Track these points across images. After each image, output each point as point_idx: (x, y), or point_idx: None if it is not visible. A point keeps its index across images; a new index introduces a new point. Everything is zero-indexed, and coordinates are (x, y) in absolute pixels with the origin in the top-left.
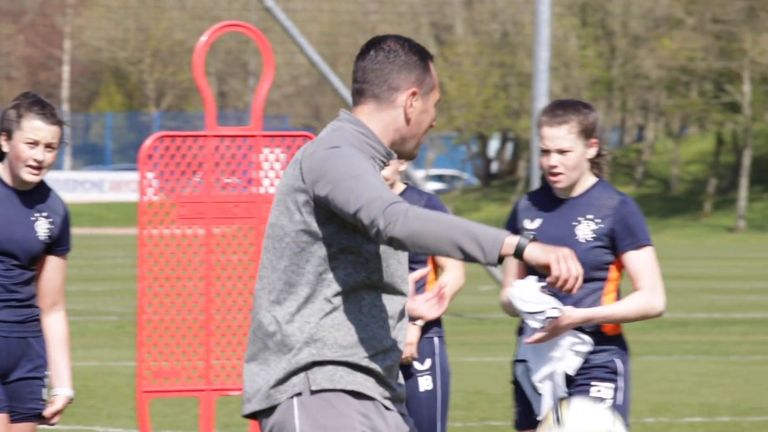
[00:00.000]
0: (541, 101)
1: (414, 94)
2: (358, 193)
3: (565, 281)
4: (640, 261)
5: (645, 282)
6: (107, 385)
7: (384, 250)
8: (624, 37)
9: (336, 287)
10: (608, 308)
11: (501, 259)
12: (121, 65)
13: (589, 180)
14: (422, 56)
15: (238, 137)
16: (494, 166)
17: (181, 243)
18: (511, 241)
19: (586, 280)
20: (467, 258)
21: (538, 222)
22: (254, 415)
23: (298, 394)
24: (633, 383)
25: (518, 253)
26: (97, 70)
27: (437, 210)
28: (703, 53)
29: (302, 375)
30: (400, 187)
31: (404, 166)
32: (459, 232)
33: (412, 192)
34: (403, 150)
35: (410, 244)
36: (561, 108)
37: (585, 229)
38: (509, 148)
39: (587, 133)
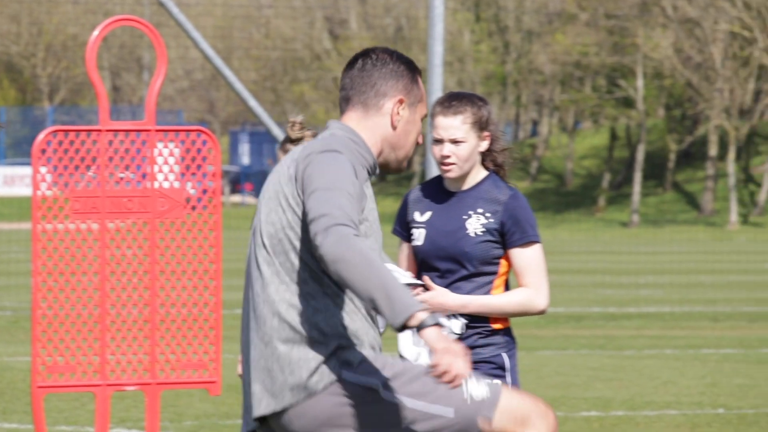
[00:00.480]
0: (436, 96)
1: (401, 102)
2: (320, 205)
3: (443, 374)
4: (527, 257)
5: (530, 279)
6: (2, 380)
7: (375, 234)
8: (518, 33)
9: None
10: (487, 298)
11: (403, 327)
12: (14, 59)
13: (480, 173)
14: (410, 67)
15: (132, 132)
16: None
17: (76, 238)
18: (421, 316)
19: (475, 275)
20: (375, 310)
21: (428, 215)
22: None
23: (339, 376)
24: (528, 378)
25: (419, 328)
26: None
27: None
28: (597, 48)
29: (333, 360)
30: None
31: None
32: (381, 284)
33: None
34: (391, 161)
35: (333, 268)
36: (456, 99)
37: (475, 223)
38: None
39: (481, 125)
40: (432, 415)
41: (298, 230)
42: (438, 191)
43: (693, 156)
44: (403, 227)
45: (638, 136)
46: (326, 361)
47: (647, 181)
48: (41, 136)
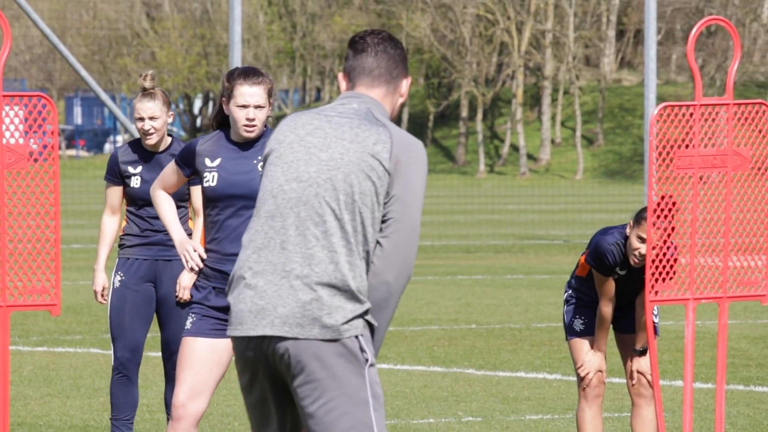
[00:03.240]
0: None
1: (410, 81)
2: (407, 214)
3: None
4: None
5: None
6: None
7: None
8: (303, 15)
9: (370, 245)
10: None
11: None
12: None
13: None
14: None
15: None
16: (199, 121)
17: None
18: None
19: None
20: (376, 329)
21: (218, 161)
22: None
23: (361, 334)
24: None
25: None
26: None
27: None
28: (368, 28)
29: (362, 319)
30: (167, 139)
31: (172, 118)
32: (388, 322)
33: (178, 144)
34: None
35: (377, 287)
36: (254, 73)
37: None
38: (210, 106)
39: (271, 94)
40: (369, 418)
41: (371, 203)
42: (228, 143)
43: (448, 117)
44: (192, 172)
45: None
46: (358, 317)
47: None
48: None
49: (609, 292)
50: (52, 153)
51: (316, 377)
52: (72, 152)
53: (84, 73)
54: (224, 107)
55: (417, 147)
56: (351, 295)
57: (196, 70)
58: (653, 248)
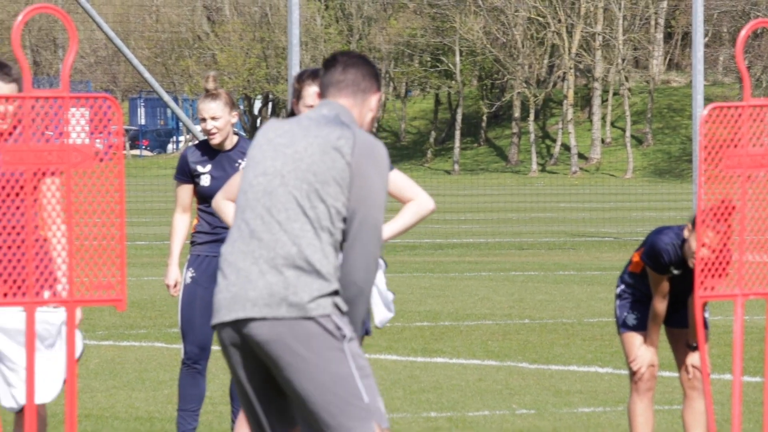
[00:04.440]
0: (295, 69)
1: (379, 98)
2: (368, 214)
3: None
4: (395, 181)
5: (408, 193)
6: None
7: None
8: (359, 18)
9: (337, 235)
10: (390, 226)
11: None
12: None
13: None
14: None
15: (51, 98)
16: (258, 122)
17: (5, 184)
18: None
19: None
20: (351, 301)
21: None
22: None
23: (331, 313)
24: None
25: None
26: None
27: None
28: (423, 31)
29: (330, 299)
30: (234, 138)
31: (236, 118)
32: (363, 315)
33: (245, 142)
34: None
35: (347, 286)
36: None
37: None
38: (270, 107)
39: None
40: (357, 389)
41: (334, 192)
42: None
43: (501, 117)
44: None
45: (457, 101)
46: (325, 297)
47: (465, 138)
48: None
49: (663, 289)
50: (117, 153)
51: (295, 357)
52: (136, 152)
53: (147, 75)
54: (294, 108)
55: (378, 148)
56: (317, 275)
57: (255, 72)
58: (712, 251)
